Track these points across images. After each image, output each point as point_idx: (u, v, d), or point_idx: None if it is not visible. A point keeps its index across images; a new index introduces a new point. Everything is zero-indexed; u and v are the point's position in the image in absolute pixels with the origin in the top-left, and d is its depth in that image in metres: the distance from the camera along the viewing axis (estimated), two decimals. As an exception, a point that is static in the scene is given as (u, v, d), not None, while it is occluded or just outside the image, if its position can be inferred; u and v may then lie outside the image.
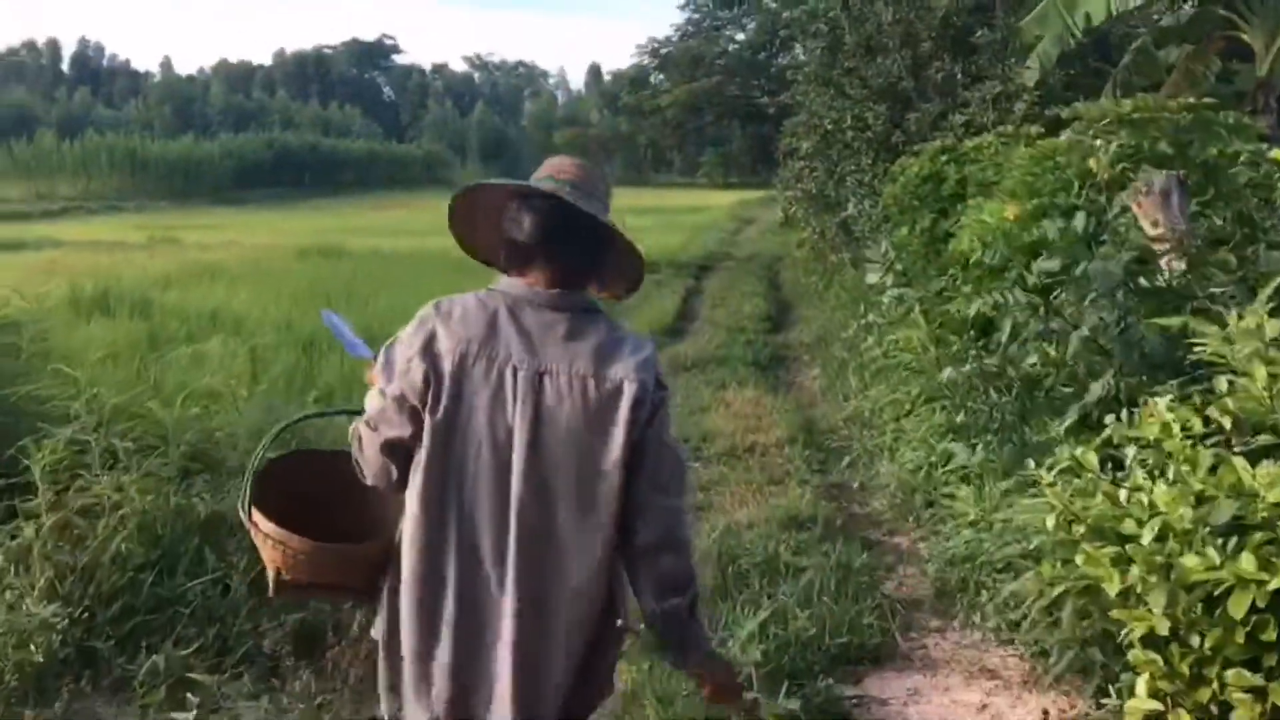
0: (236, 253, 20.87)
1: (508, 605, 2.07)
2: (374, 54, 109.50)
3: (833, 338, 11.65)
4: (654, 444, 2.12)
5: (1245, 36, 9.14)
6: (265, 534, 2.19)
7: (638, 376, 2.10)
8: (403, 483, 2.16)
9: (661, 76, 23.39)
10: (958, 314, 6.81)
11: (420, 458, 2.10)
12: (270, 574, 2.24)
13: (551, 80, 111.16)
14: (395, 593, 2.18)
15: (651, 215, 33.21)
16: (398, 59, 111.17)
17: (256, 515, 2.21)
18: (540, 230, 2.14)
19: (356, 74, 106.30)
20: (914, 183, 8.75)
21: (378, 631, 2.27)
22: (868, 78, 11.00)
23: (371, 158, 66.32)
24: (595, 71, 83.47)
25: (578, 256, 2.17)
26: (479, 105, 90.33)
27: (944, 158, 8.69)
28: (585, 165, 2.27)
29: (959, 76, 10.53)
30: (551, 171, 2.21)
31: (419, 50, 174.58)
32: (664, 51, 22.76)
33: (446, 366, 2.08)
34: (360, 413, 2.22)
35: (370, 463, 2.18)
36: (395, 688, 2.21)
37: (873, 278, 11.71)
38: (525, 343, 2.09)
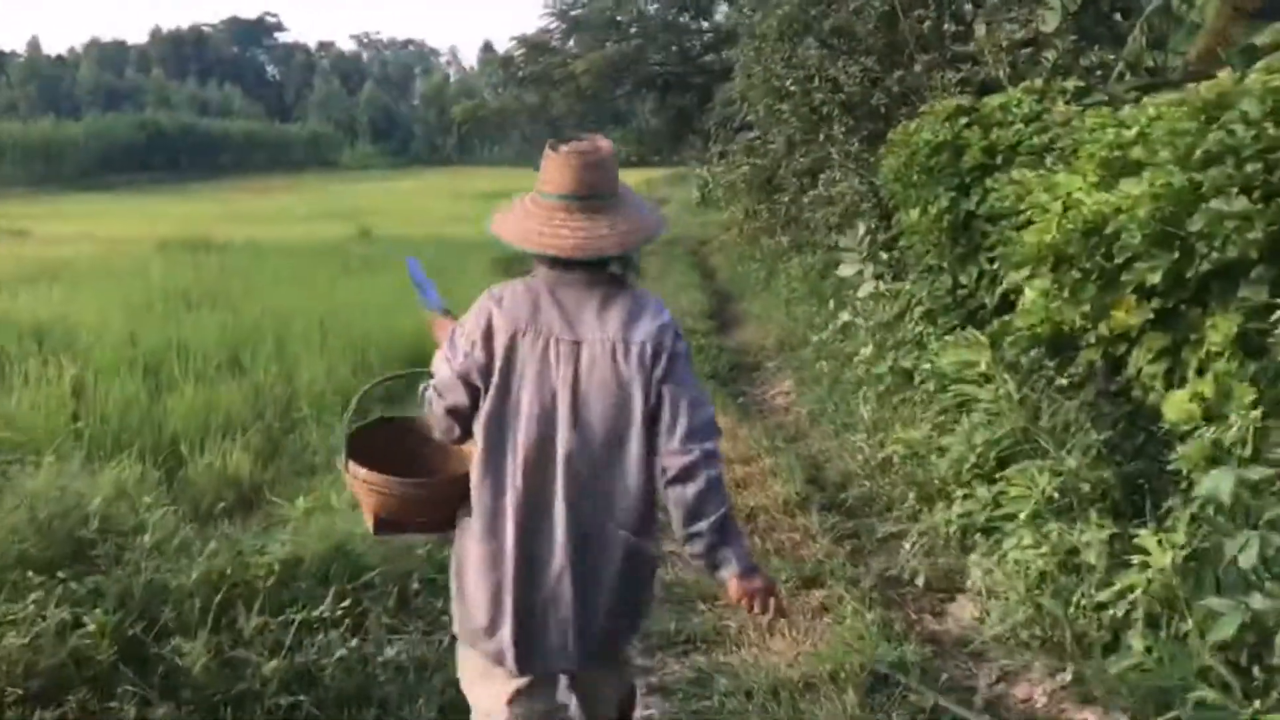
0: (88, 247, 18.20)
1: (559, 536, 2.43)
2: (256, 32, 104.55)
3: (799, 340, 9.78)
4: (672, 392, 2.40)
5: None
6: (365, 481, 2.59)
7: (657, 337, 2.42)
8: (464, 437, 2.56)
9: (571, 42, 21.22)
10: (1035, 329, 4.97)
11: (482, 413, 2.46)
12: (369, 519, 2.67)
13: (443, 58, 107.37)
14: (465, 530, 2.55)
15: (556, 196, 31.02)
16: (281, 37, 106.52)
17: (355, 467, 2.62)
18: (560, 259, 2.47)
19: (238, 53, 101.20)
20: (924, 153, 6.89)
21: (452, 565, 2.61)
22: (831, 29, 9.14)
23: (252, 139, 62.66)
24: (488, 48, 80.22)
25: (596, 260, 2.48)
26: (367, 84, 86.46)
27: (963, 120, 6.84)
28: (583, 161, 2.45)
29: (948, 26, 8.68)
30: (551, 186, 2.47)
31: (304, 28, 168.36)
32: (573, 14, 20.57)
33: (501, 342, 2.45)
34: (428, 373, 2.64)
35: (439, 421, 2.57)
36: (465, 622, 2.54)
37: (848, 269, 9.87)
38: (563, 318, 2.45)
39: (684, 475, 2.38)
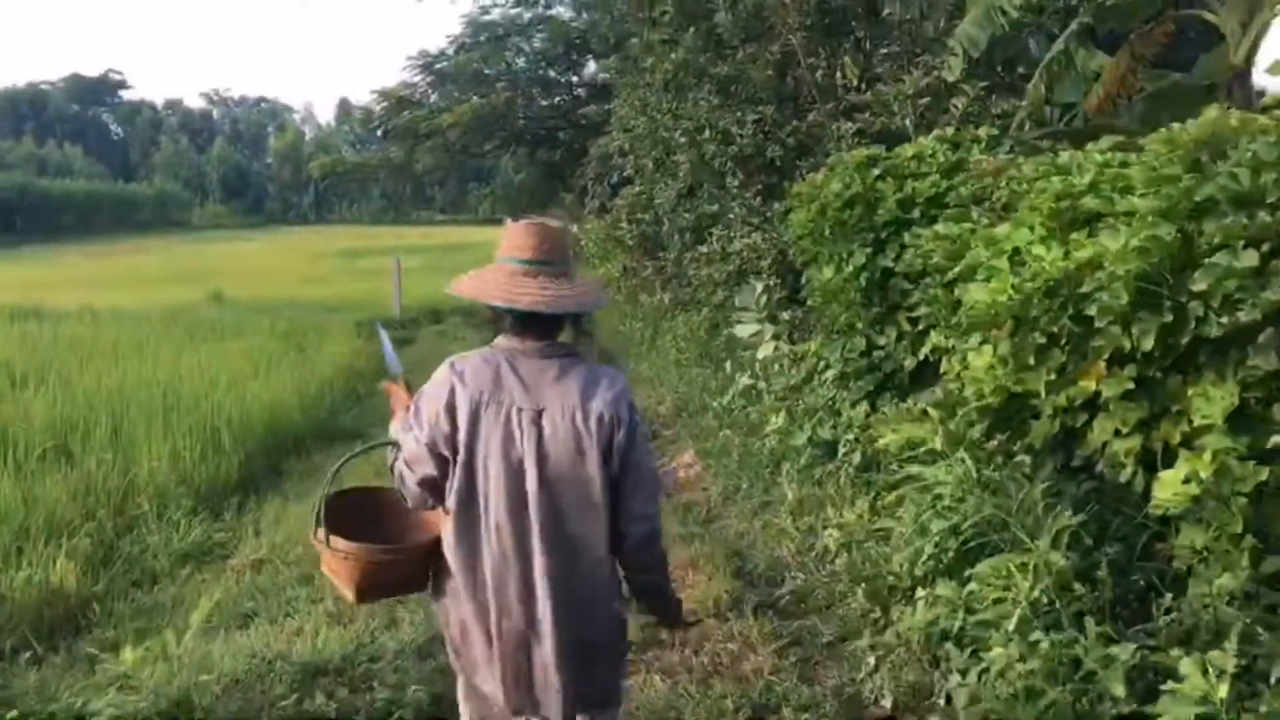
0: (-104, 318, 16.41)
1: (539, 592, 2.54)
2: (99, 90, 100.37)
3: (696, 406, 9.16)
4: (632, 461, 2.57)
5: (1210, 16, 7.32)
6: (346, 553, 2.66)
7: (613, 408, 2.55)
8: (436, 506, 2.66)
9: (436, 96, 20.30)
10: (986, 400, 4.46)
11: (454, 482, 2.57)
12: (350, 591, 2.71)
13: (297, 115, 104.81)
14: (448, 593, 2.67)
15: (419, 255, 30.21)
16: (126, 95, 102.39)
17: (336, 540, 2.66)
18: (517, 315, 2.60)
19: (79, 111, 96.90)
20: (835, 206, 6.40)
21: (444, 617, 2.72)
22: (725, 78, 8.65)
23: (95, 199, 59.54)
24: (344, 105, 78.72)
25: (554, 321, 2.62)
26: (217, 141, 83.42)
27: (875, 171, 6.38)
28: (543, 231, 2.63)
29: (842, 75, 8.30)
30: (515, 251, 2.63)
31: (150, 87, 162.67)
32: (438, 67, 19.67)
33: (464, 414, 2.55)
34: (394, 443, 2.71)
35: (411, 493, 2.67)
36: (462, 663, 2.71)
37: (745, 330, 9.33)
38: (524, 388, 2.56)
39: (640, 542, 2.63)
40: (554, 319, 2.60)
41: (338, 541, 2.65)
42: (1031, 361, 4.15)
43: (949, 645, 3.84)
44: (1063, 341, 4.04)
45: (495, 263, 2.65)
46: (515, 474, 2.53)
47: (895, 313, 6.33)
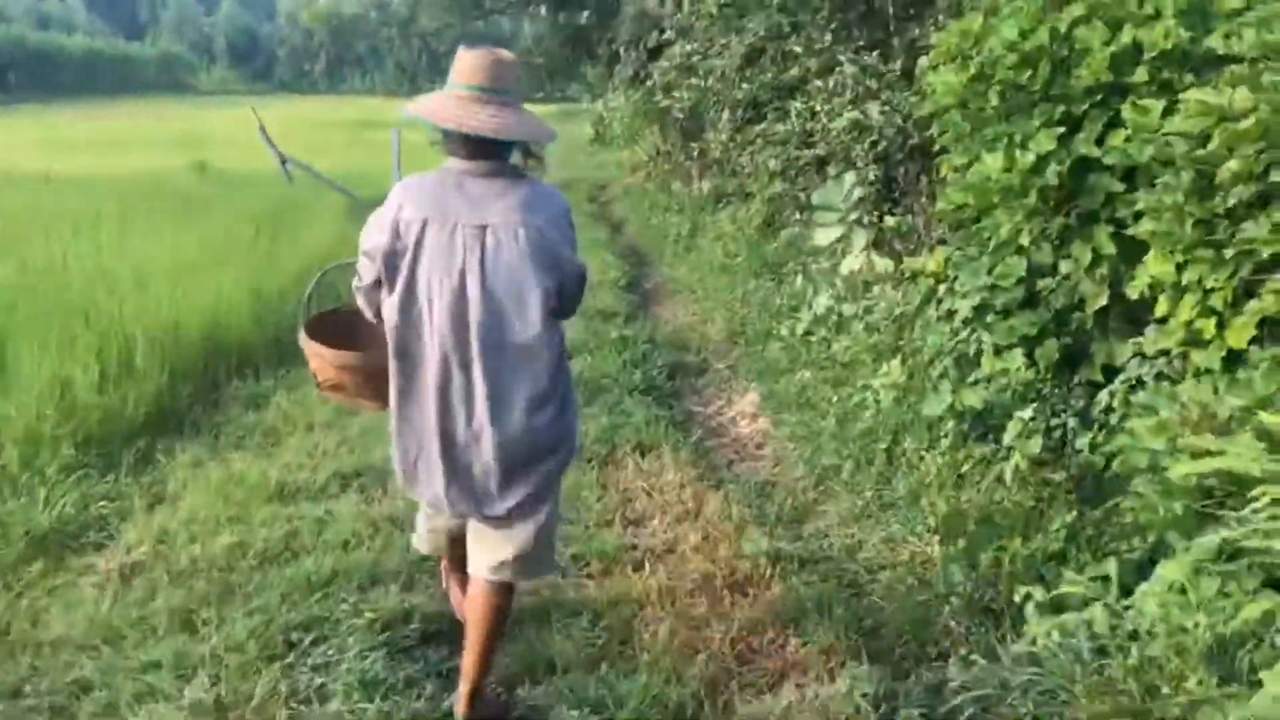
0: None
1: (478, 395, 2.74)
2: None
3: (758, 332, 7.12)
4: (568, 272, 2.77)
5: None
6: (310, 350, 3.05)
7: (554, 224, 2.74)
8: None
9: None
10: None
11: (396, 291, 2.73)
12: (315, 380, 3.15)
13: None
14: (390, 394, 2.85)
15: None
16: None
17: (303, 337, 3.08)
18: (467, 139, 2.72)
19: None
20: (1006, 64, 4.30)
21: (392, 431, 2.89)
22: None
23: (96, 57, 56.65)
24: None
25: (503, 146, 2.76)
26: (224, 1, 79.59)
27: (1072, 10, 4.26)
28: (495, 60, 2.74)
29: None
30: (465, 78, 2.72)
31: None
32: None
33: (413, 228, 2.71)
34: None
35: (363, 299, 2.88)
36: (404, 465, 2.90)
37: (826, 235, 7.25)
38: (469, 205, 2.71)
39: (567, 312, 2.86)
40: (502, 144, 2.74)
41: (302, 338, 3.08)
42: None
43: None
44: None
45: (448, 88, 2.75)
46: (459, 285, 2.69)
47: (1092, 225, 4.31)
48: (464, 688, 2.98)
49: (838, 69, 6.36)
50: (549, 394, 2.79)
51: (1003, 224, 4.45)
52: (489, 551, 2.90)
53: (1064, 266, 4.37)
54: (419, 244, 2.69)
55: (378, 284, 2.76)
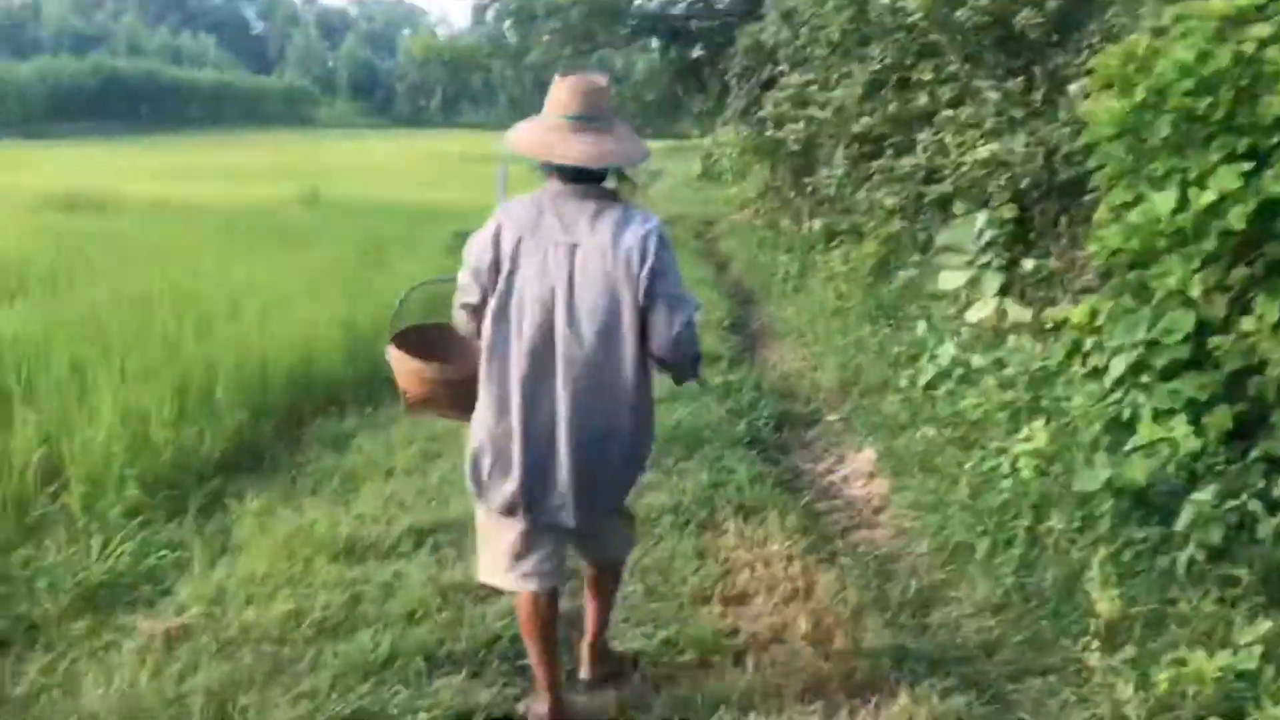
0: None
1: (561, 409, 2.80)
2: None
3: (874, 382, 6.56)
4: (658, 290, 2.78)
5: None
6: (397, 361, 3.10)
7: (642, 243, 2.77)
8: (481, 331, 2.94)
9: None
10: None
11: (490, 305, 2.86)
12: (402, 395, 3.19)
13: (431, 18, 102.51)
14: (480, 407, 2.92)
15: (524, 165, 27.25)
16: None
17: (392, 349, 3.12)
18: (566, 169, 2.83)
19: (220, 4, 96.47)
20: (1178, 89, 3.72)
21: (470, 436, 2.96)
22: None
23: (223, 91, 58.65)
24: (480, 8, 75.91)
25: (598, 172, 2.87)
26: (348, 37, 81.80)
27: (1257, 30, 3.66)
28: (588, 87, 2.83)
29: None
30: (560, 108, 2.83)
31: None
32: None
33: (507, 245, 2.83)
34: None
35: (460, 318, 2.99)
36: (476, 473, 2.93)
37: (952, 280, 6.67)
38: (562, 225, 2.82)
39: (664, 346, 2.83)
40: (598, 170, 2.84)
41: (391, 350, 3.10)
42: None
43: None
44: None
45: (544, 118, 2.87)
46: (548, 302, 2.79)
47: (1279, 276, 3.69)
48: (587, 643, 3.30)
49: (974, 98, 5.79)
50: (632, 411, 2.88)
51: (1172, 272, 3.85)
52: (583, 552, 3.18)
53: (1246, 323, 3.74)
54: (514, 262, 2.82)
55: (478, 302, 2.89)
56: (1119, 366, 4.42)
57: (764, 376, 7.24)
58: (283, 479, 5.37)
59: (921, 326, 6.74)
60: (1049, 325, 5.38)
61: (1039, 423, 4.45)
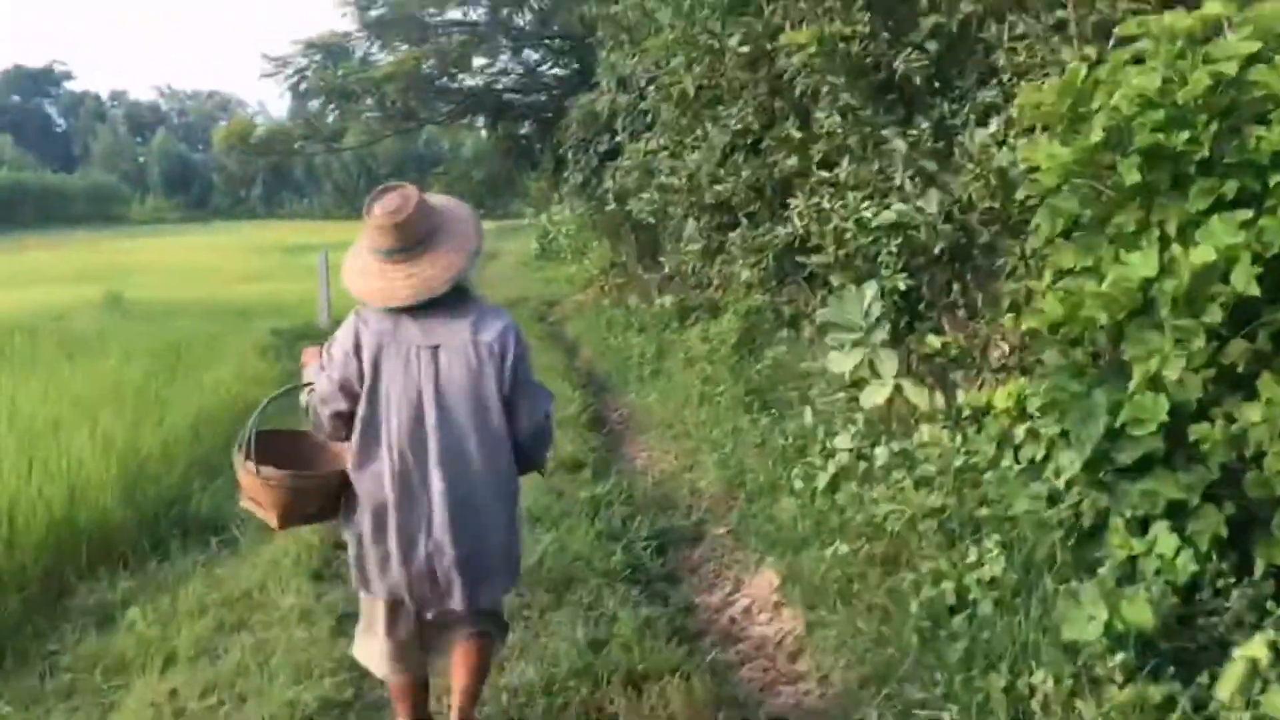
0: None
1: (437, 502, 2.91)
2: (41, 81, 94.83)
3: (757, 485, 5.66)
4: (520, 379, 2.99)
5: None
6: (274, 481, 2.95)
7: (501, 337, 2.96)
8: (347, 437, 2.98)
9: (376, 48, 16.19)
10: None
11: (360, 413, 2.92)
12: (275, 517, 3.00)
13: (249, 109, 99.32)
14: (352, 509, 3.00)
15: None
16: (70, 86, 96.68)
17: (266, 469, 2.95)
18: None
19: (19, 102, 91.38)
20: (1142, 124, 3.01)
21: (348, 535, 3.06)
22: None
23: (19, 190, 55.03)
24: (296, 91, 74.05)
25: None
26: (159, 132, 78.18)
27: (1232, 47, 2.99)
28: (397, 220, 2.88)
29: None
30: (375, 245, 2.93)
31: (97, 80, 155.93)
32: (374, 13, 15.41)
33: (368, 354, 2.91)
34: (306, 385, 3.07)
35: (326, 425, 3.01)
36: (362, 571, 3.04)
37: (843, 362, 5.88)
38: (421, 330, 2.92)
39: (530, 439, 3.05)
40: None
41: (266, 469, 2.93)
42: None
43: None
44: None
45: (363, 250, 2.99)
46: (415, 403, 2.89)
47: (1287, 352, 2.96)
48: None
49: (872, 149, 5.04)
50: (510, 496, 3.05)
51: (1153, 348, 3.08)
52: (461, 626, 3.14)
53: (1251, 410, 2.99)
54: (377, 369, 2.90)
55: (348, 409, 2.94)
56: (1070, 464, 3.66)
57: (635, 485, 6.26)
58: (29, 676, 4.10)
59: (808, 414, 5.92)
60: (966, 412, 4.60)
61: (991, 540, 3.62)
